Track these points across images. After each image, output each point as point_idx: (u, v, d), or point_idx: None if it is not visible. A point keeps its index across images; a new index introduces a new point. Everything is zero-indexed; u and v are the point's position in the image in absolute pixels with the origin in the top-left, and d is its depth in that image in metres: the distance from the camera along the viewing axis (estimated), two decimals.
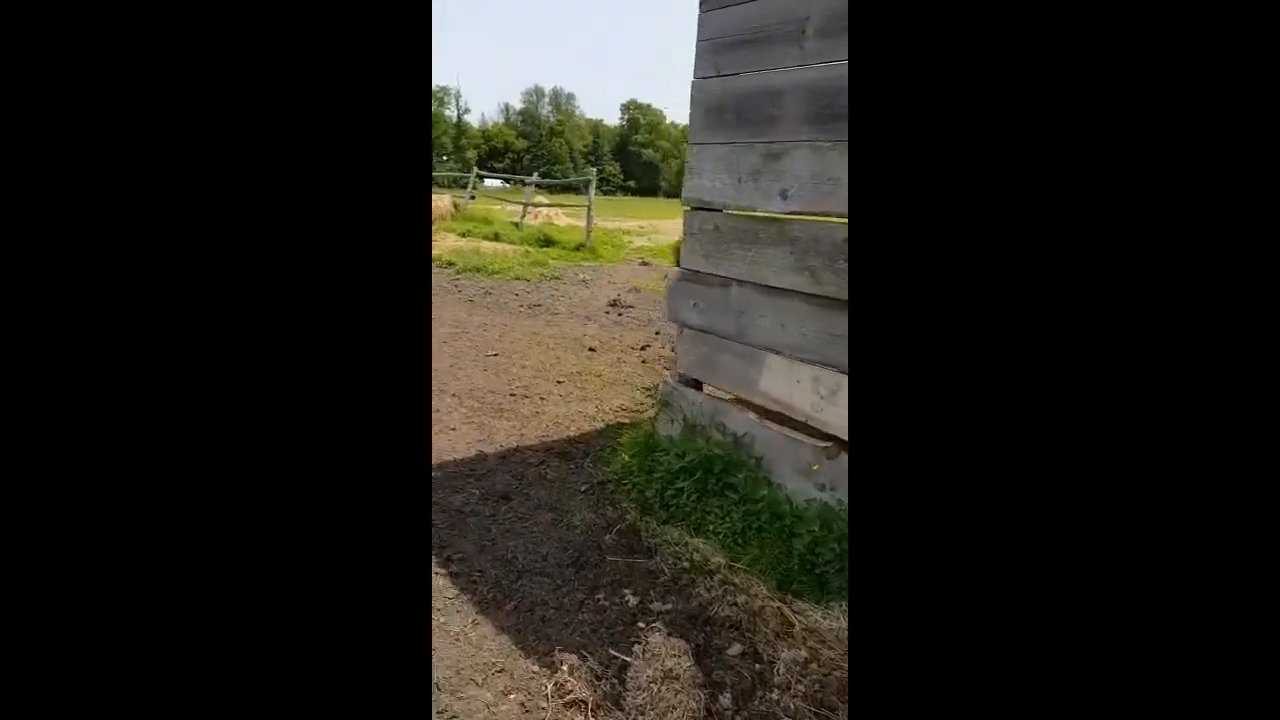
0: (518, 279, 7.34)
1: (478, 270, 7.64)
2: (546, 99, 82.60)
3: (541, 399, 3.46)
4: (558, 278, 7.60)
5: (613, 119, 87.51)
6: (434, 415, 3.15)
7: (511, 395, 3.49)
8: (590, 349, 4.49)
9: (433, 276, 7.29)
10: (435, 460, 2.66)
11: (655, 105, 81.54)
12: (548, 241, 10.56)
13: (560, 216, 15.19)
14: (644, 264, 9.31)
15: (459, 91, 77.22)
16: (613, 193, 31.47)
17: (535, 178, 13.47)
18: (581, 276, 7.77)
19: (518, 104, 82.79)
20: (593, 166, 69.02)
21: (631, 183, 73.51)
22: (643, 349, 4.59)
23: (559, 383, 3.74)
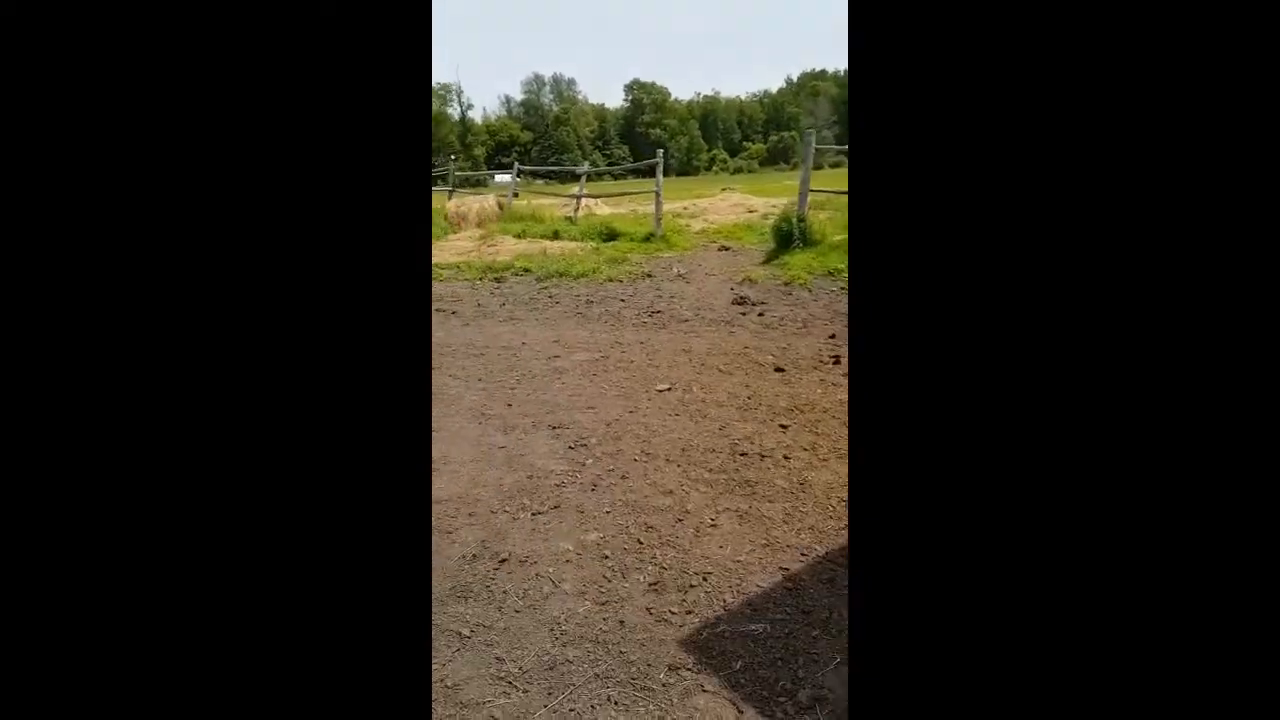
0: (610, 280, 6.40)
1: (561, 275, 6.71)
2: (547, 87, 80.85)
3: (785, 457, 2.53)
4: (650, 275, 6.63)
5: (615, 101, 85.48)
6: (668, 496, 2.23)
7: (741, 455, 2.56)
8: (778, 369, 3.55)
9: (519, 288, 6.38)
10: (739, 595, 1.74)
11: (659, 83, 79.19)
12: (611, 235, 9.57)
13: (600, 206, 14.18)
14: (724, 249, 8.29)
15: (460, 87, 75.62)
16: (624, 176, 30.41)
17: (586, 167, 12.46)
18: (675, 270, 6.80)
19: (518, 95, 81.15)
20: (602, 153, 67.47)
21: (641, 164, 71.85)
22: (835, 361, 3.63)
23: (783, 427, 2.80)
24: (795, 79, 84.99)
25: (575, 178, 12.86)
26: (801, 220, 7.08)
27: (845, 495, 2.23)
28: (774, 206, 13.65)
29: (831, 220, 8.17)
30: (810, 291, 5.44)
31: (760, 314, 4.81)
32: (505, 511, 2.21)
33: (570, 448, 2.68)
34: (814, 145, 7.26)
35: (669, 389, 3.32)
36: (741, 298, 5.28)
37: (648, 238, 9.06)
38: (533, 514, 2.19)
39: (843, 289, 5.40)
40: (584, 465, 2.52)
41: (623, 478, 2.41)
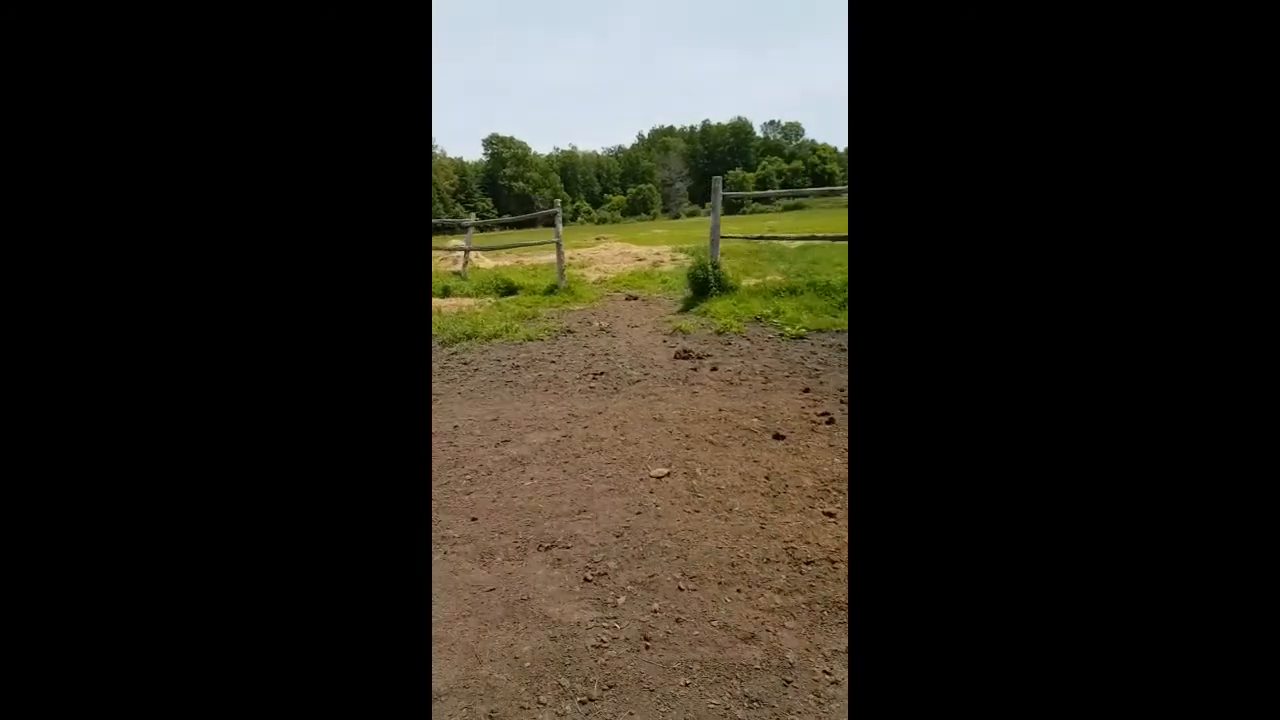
0: (529, 340, 5.70)
1: (470, 337, 5.90)
2: None
3: None
4: (570, 331, 6.02)
5: (474, 155, 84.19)
6: (751, 644, 1.62)
7: (807, 564, 2.01)
8: (776, 435, 3.06)
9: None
10: None
11: (518, 138, 78.91)
12: (509, 289, 8.84)
13: (483, 259, 13.39)
14: (632, 298, 7.87)
15: None
16: (490, 228, 29.69)
17: (473, 218, 11.66)
18: (595, 324, 6.23)
19: None
20: (465, 206, 65.77)
21: (507, 216, 70.77)
22: (828, 421, 3.22)
23: (829, 515, 2.30)
24: (646, 135, 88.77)
25: (460, 230, 11.95)
26: (715, 267, 6.83)
27: None
28: (658, 254, 13.60)
29: (733, 267, 8.05)
30: (750, 340, 5.09)
31: (713, 368, 4.36)
32: (540, 703, 1.50)
33: (586, 580, 1.99)
34: (721, 192, 7.08)
35: (667, 473, 2.72)
36: (685, 351, 4.81)
37: (550, 290, 8.44)
38: (582, 702, 1.50)
39: (781, 336, 5.12)
40: (616, 606, 1.85)
41: (678, 621, 1.77)
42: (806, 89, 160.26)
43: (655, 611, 1.82)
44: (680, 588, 1.92)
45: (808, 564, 2.00)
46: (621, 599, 1.88)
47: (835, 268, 7.86)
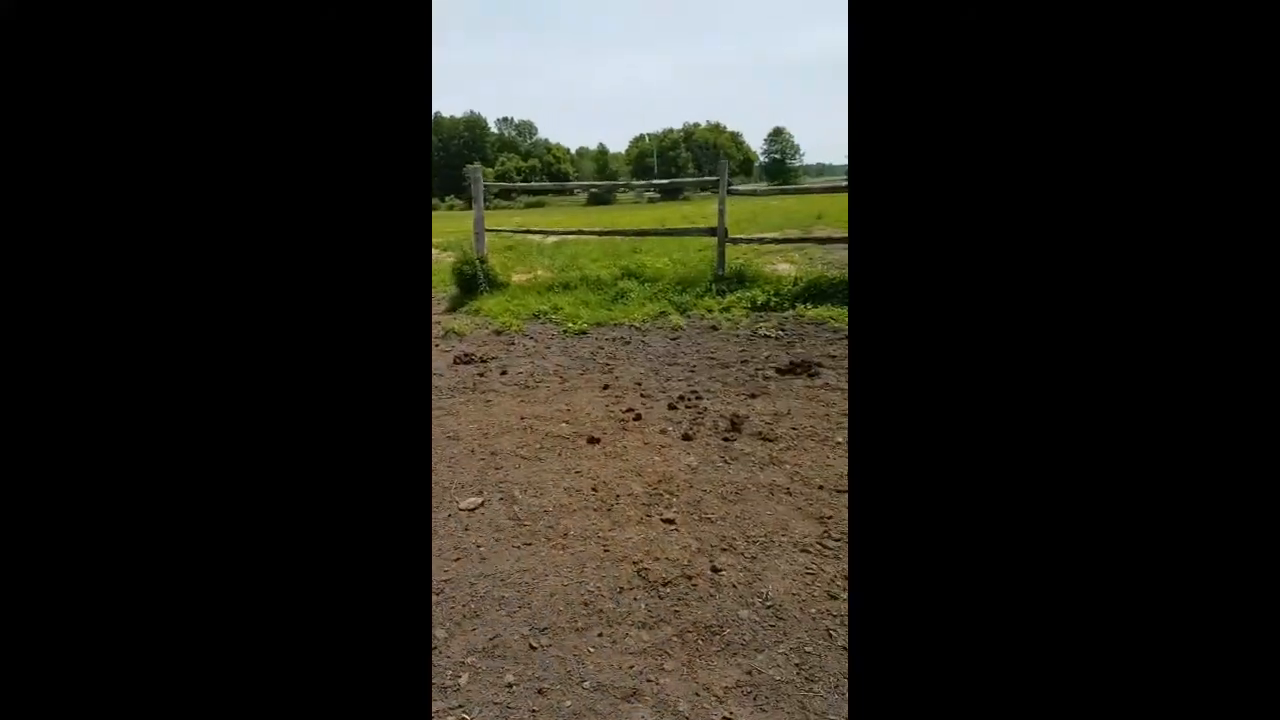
0: None
1: None
2: None
3: (714, 569, 1.86)
4: None
5: None
6: (634, 701, 1.36)
7: (663, 584, 1.79)
8: (591, 439, 2.80)
9: None
10: None
11: None
12: None
13: None
14: None
15: None
16: None
17: None
18: None
19: None
20: None
21: None
22: (636, 418, 3.08)
23: (669, 523, 2.13)
24: None
25: None
26: (484, 262, 6.33)
27: (828, 607, 1.70)
28: None
29: (500, 262, 7.60)
30: (534, 339, 4.77)
31: (503, 372, 3.95)
32: None
33: None
34: (483, 183, 6.56)
35: (480, 502, 2.30)
36: (466, 355, 4.30)
37: None
38: None
39: (564, 333, 4.89)
40: (459, 689, 1.43)
41: (540, 693, 1.42)
42: (538, 87, 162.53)
43: (510, 686, 1.44)
44: (532, 646, 1.57)
45: (664, 585, 1.80)
46: (463, 678, 1.47)
47: (594, 263, 7.89)
